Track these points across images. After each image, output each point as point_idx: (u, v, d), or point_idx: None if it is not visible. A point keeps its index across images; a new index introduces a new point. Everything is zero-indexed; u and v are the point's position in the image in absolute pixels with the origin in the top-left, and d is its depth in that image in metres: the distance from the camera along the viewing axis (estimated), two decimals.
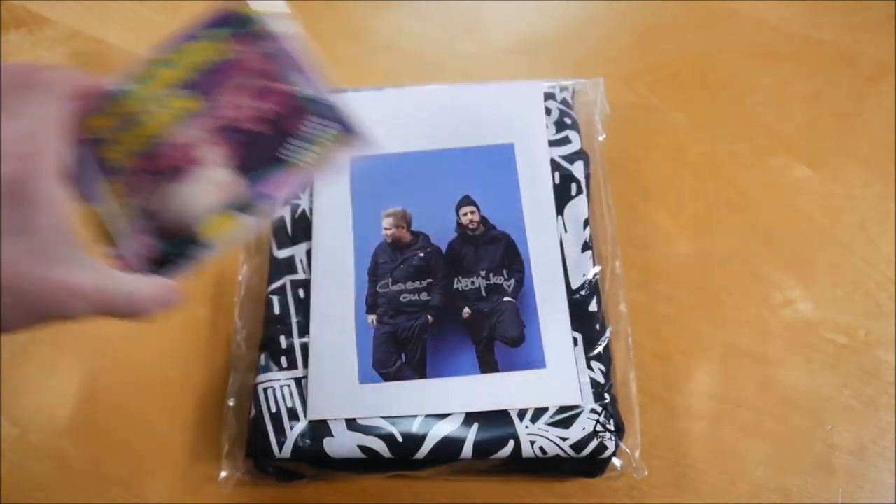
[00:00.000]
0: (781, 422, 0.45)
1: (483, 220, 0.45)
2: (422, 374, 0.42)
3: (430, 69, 0.57)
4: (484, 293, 0.43)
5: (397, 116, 0.49)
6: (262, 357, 0.43)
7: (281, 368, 0.43)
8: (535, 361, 0.42)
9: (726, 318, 0.48)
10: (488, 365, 0.42)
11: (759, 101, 0.56)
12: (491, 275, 0.44)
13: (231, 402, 0.43)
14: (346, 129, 0.32)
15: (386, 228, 0.45)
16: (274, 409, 0.41)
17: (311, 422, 0.41)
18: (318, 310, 0.44)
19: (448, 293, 0.44)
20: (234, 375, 0.44)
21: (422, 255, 0.44)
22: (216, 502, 0.44)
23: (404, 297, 0.43)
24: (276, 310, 0.44)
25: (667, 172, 0.53)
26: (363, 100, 0.50)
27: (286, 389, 0.42)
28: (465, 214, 0.45)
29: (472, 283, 0.44)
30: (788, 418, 0.46)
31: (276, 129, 0.32)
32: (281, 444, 0.40)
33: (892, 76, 0.57)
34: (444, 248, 0.45)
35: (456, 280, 0.44)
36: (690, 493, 0.44)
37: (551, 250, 0.45)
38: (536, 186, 0.46)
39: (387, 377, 0.42)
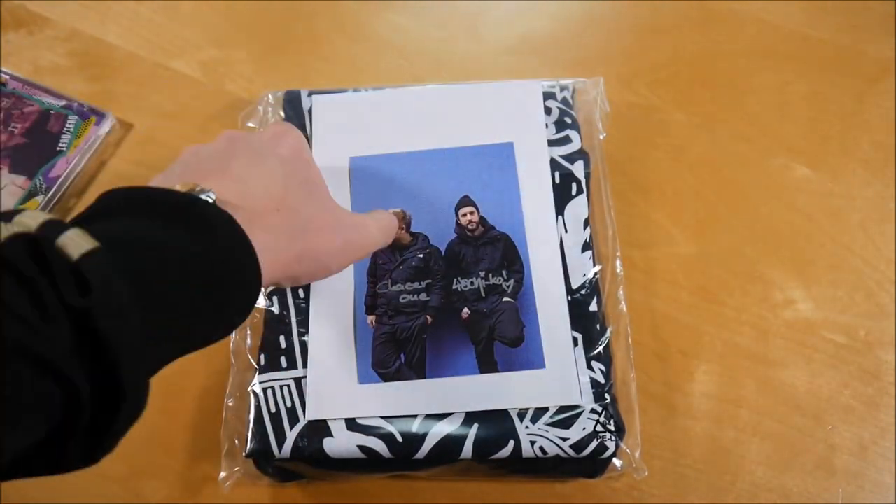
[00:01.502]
0: (781, 422, 0.45)
1: (482, 220, 0.45)
2: (421, 374, 0.42)
3: (430, 69, 0.57)
4: (483, 294, 0.43)
5: (396, 116, 0.49)
6: (262, 357, 0.43)
7: (280, 368, 0.43)
8: (534, 362, 0.42)
9: (726, 318, 0.48)
10: (488, 365, 0.42)
11: (759, 101, 0.56)
12: (490, 275, 0.44)
13: (231, 402, 0.43)
14: (90, 115, 0.53)
15: None
16: (273, 410, 0.41)
17: (310, 422, 0.41)
18: (317, 310, 0.44)
19: (447, 294, 0.44)
20: (233, 375, 0.44)
21: (421, 255, 0.44)
22: (215, 502, 0.43)
23: (403, 298, 0.43)
24: (276, 310, 0.44)
25: (667, 172, 0.53)
26: (362, 100, 0.50)
27: (286, 389, 0.42)
28: (465, 215, 0.45)
29: (472, 283, 0.44)
30: (788, 418, 0.46)
31: (42, 134, 0.52)
32: (280, 444, 0.40)
33: (892, 76, 0.57)
34: (443, 248, 0.45)
35: (455, 281, 0.44)
36: (690, 494, 0.44)
37: (551, 250, 0.45)
38: (536, 186, 0.46)
39: (386, 377, 0.42)
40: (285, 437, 0.40)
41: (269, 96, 0.52)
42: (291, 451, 0.40)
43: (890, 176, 0.53)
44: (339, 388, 0.41)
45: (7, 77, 0.54)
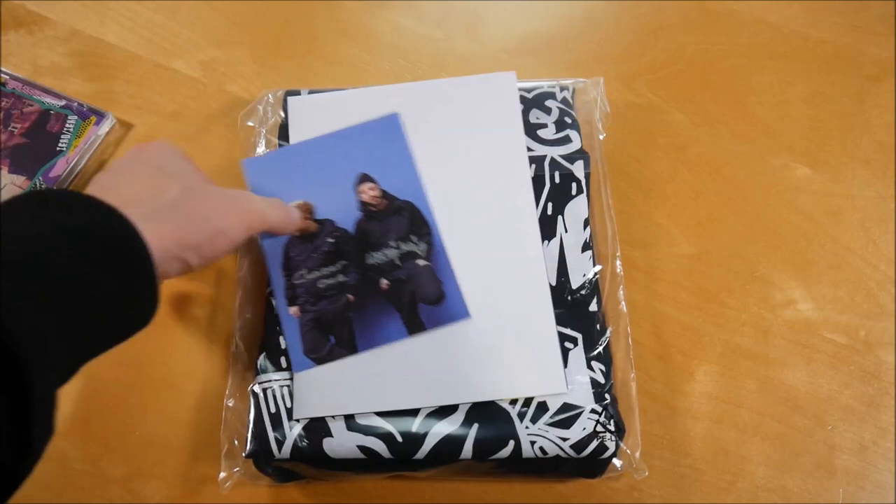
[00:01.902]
0: (782, 422, 0.45)
1: (384, 193, 0.46)
2: (353, 349, 0.42)
3: (430, 69, 0.57)
4: (399, 262, 0.44)
5: (361, 114, 0.49)
6: (262, 357, 0.43)
7: (280, 369, 0.43)
8: (458, 314, 0.43)
9: (726, 318, 0.48)
10: (415, 326, 0.43)
11: (759, 101, 0.56)
12: (401, 244, 0.45)
13: (230, 403, 0.43)
14: (90, 115, 0.53)
15: None
16: (273, 410, 0.41)
17: (310, 422, 0.41)
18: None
19: (363, 270, 0.44)
20: (233, 375, 0.44)
21: (331, 240, 0.45)
22: (215, 502, 0.43)
23: (321, 283, 0.44)
24: (276, 310, 0.44)
25: (667, 172, 0.53)
26: (316, 101, 0.50)
27: (285, 390, 0.42)
28: (365, 192, 0.46)
29: (385, 255, 0.45)
30: (789, 418, 0.46)
31: (42, 134, 0.52)
32: (280, 445, 0.40)
33: (892, 76, 0.57)
34: (351, 228, 0.45)
35: (369, 256, 0.45)
36: (690, 494, 0.44)
37: (534, 243, 0.45)
38: (510, 173, 0.47)
39: (320, 360, 0.42)
40: (285, 438, 0.40)
41: (269, 96, 0.52)
42: (291, 451, 0.40)
43: (890, 176, 0.53)
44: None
45: (7, 77, 0.54)
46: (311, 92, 0.51)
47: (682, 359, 0.47)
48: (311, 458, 0.40)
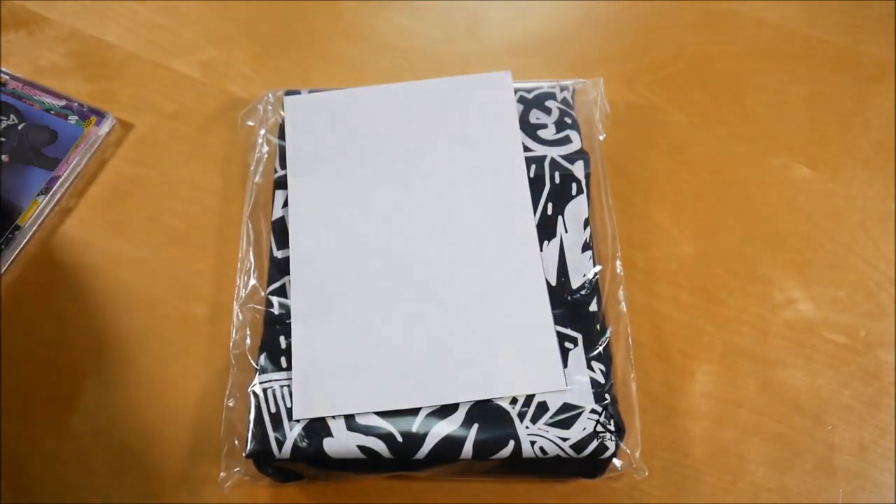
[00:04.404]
0: (782, 422, 0.45)
1: None
2: None
3: (430, 69, 0.57)
4: None
5: (364, 116, 0.49)
6: (262, 357, 0.43)
7: (280, 369, 0.43)
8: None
9: (726, 318, 0.48)
10: None
11: (759, 101, 0.56)
12: None
13: (231, 403, 0.43)
14: (90, 115, 0.52)
15: None
16: (273, 410, 0.41)
17: (310, 422, 0.41)
18: (300, 305, 0.44)
19: None
20: (233, 376, 0.44)
21: None
22: (215, 502, 0.43)
23: None
24: (276, 310, 0.44)
25: (667, 172, 0.53)
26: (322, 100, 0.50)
27: (285, 390, 0.42)
28: None
29: None
30: (789, 418, 0.46)
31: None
32: (280, 445, 0.40)
33: (892, 76, 0.57)
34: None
35: None
36: (690, 494, 0.44)
37: (530, 244, 0.45)
38: (508, 176, 0.47)
39: None
40: (285, 438, 0.40)
41: (269, 96, 0.52)
42: (291, 451, 0.40)
43: (890, 176, 0.53)
44: (330, 383, 0.42)
45: (7, 77, 0.54)
46: (310, 92, 0.51)
47: (682, 359, 0.47)
48: (312, 458, 0.40)
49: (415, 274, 0.45)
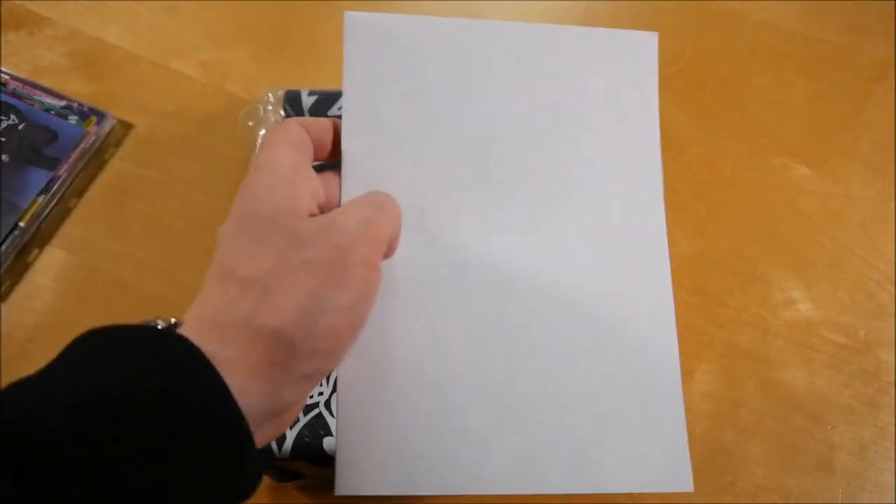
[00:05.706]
0: (781, 422, 0.45)
1: None
2: None
3: None
4: None
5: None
6: None
7: None
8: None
9: (726, 318, 0.48)
10: None
11: (759, 101, 0.56)
12: None
13: None
14: (90, 115, 0.52)
15: None
16: None
17: (310, 421, 0.41)
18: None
19: None
20: None
21: None
22: None
23: None
24: None
25: (667, 172, 0.53)
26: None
27: None
28: None
29: None
30: (789, 418, 0.46)
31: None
32: (280, 444, 0.40)
33: (892, 76, 0.57)
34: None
35: None
36: (690, 494, 0.44)
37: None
38: (636, 163, 0.36)
39: None
40: (285, 437, 0.40)
41: (270, 96, 0.52)
42: (291, 450, 0.40)
43: (890, 176, 0.53)
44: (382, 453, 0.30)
45: (7, 77, 0.54)
46: (310, 93, 0.51)
47: (682, 359, 0.47)
48: (312, 457, 0.40)
49: (514, 309, 0.31)
